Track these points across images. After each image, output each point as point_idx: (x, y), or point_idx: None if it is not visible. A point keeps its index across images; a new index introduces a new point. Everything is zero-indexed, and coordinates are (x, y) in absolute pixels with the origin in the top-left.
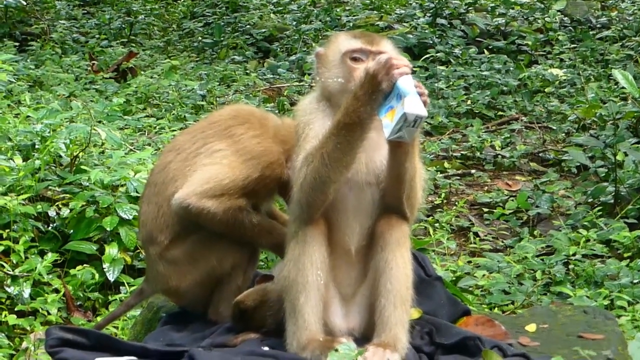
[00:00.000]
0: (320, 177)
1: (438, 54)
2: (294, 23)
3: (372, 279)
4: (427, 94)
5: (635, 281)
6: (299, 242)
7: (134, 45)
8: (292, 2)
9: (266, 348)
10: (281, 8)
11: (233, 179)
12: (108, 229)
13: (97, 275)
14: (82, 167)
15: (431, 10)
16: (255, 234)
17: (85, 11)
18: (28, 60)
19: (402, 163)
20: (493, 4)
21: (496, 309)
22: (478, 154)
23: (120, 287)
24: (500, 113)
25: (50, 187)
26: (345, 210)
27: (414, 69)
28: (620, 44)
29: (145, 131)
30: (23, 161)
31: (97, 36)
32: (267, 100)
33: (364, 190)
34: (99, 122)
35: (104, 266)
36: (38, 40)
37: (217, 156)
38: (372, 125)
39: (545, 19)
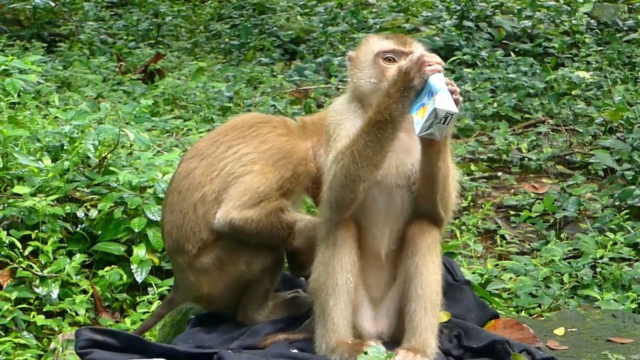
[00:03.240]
0: (350, 175)
1: (464, 57)
2: (321, 25)
3: (402, 283)
4: (459, 91)
5: None
6: (329, 245)
7: (161, 46)
8: (319, 4)
9: (295, 350)
10: (308, 10)
11: (268, 184)
12: (136, 230)
13: (125, 277)
14: (111, 168)
15: (458, 13)
16: (294, 235)
17: (113, 12)
18: (56, 62)
19: (435, 162)
20: (520, 7)
21: (523, 312)
22: (504, 156)
23: (148, 288)
24: (526, 116)
25: (78, 188)
26: (375, 213)
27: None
28: None
29: (172, 133)
30: (52, 162)
31: (124, 37)
32: (294, 102)
33: (394, 193)
34: (127, 123)
35: (131, 267)
36: (66, 41)
37: (246, 161)
38: (403, 124)
39: (572, 21)
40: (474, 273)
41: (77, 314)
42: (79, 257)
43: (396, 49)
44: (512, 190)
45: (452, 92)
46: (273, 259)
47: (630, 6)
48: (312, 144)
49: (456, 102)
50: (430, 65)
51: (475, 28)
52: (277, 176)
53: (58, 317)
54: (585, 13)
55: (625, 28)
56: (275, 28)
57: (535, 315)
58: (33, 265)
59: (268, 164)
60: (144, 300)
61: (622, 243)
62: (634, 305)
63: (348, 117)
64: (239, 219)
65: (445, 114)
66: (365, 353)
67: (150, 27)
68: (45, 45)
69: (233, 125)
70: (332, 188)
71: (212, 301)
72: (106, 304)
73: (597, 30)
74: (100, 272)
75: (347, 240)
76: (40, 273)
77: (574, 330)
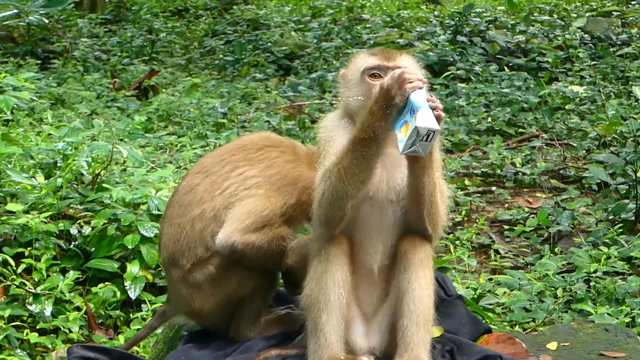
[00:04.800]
0: (338, 193)
1: (458, 72)
2: (315, 41)
3: (394, 298)
4: (441, 108)
5: None
6: (321, 260)
7: (155, 63)
8: (313, 20)
9: None
10: (302, 26)
11: (272, 209)
12: (129, 246)
13: (118, 293)
14: (104, 185)
15: (451, 28)
16: (287, 254)
17: (107, 29)
18: (50, 78)
19: (420, 178)
20: (513, 22)
21: (517, 326)
22: (499, 171)
23: (142, 305)
24: (520, 130)
25: (72, 205)
26: (367, 228)
27: (435, 86)
28: None
29: (166, 149)
30: (45, 179)
31: (118, 54)
32: (288, 118)
33: (385, 208)
34: (121, 140)
35: (125, 284)
36: (60, 58)
37: (251, 184)
38: (389, 140)
39: (566, 36)
40: (467, 287)
41: (70, 331)
42: (72, 274)
43: (381, 65)
44: (506, 205)
45: (433, 109)
46: (266, 277)
47: (623, 20)
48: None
49: (438, 118)
50: (411, 82)
51: (469, 43)
52: (281, 202)
53: (51, 335)
54: (578, 27)
55: (618, 42)
56: (269, 44)
57: (528, 330)
58: (26, 282)
59: (273, 189)
60: (137, 317)
61: (615, 257)
62: (627, 320)
63: (338, 134)
64: (240, 242)
65: (427, 131)
66: None
67: (145, 44)
68: (39, 62)
69: (241, 144)
70: (321, 205)
71: (203, 316)
72: (100, 321)
73: (590, 44)
74: (94, 289)
75: (340, 255)
76: (33, 290)
77: (566, 344)
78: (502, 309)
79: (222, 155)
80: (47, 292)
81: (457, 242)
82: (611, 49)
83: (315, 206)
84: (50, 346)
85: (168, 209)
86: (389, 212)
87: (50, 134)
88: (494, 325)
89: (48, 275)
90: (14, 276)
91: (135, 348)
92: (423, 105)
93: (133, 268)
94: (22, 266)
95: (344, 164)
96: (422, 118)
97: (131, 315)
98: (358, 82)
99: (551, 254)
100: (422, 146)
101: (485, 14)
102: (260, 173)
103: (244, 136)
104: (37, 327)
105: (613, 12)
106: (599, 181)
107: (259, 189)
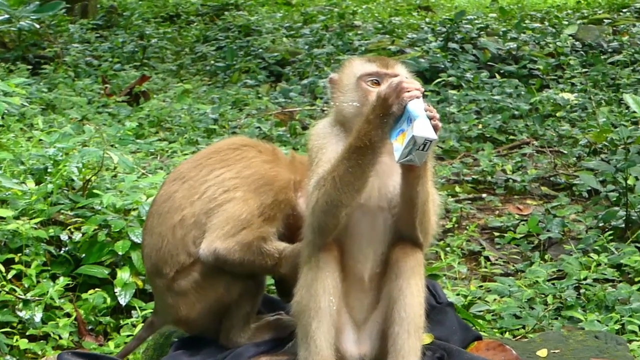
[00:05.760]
0: (332, 201)
1: (450, 78)
2: (306, 47)
3: (385, 306)
4: (438, 117)
5: None
6: (311, 267)
7: (146, 68)
8: (305, 26)
9: None
10: (293, 32)
11: (249, 211)
12: (120, 253)
13: (108, 300)
14: (95, 191)
15: (443, 35)
16: (280, 263)
17: (99, 35)
18: (41, 84)
19: (414, 187)
20: (505, 29)
21: (507, 333)
22: (489, 178)
23: (132, 311)
24: (511, 137)
25: (62, 211)
26: (358, 236)
27: (426, 92)
28: (632, 68)
29: (157, 155)
30: (35, 185)
31: (110, 59)
32: (279, 124)
33: (376, 216)
34: (112, 145)
35: (115, 290)
36: (51, 63)
37: (229, 186)
38: (384, 149)
39: (557, 43)
40: (457, 295)
41: (60, 338)
42: (62, 281)
43: (379, 72)
44: (497, 212)
45: (431, 118)
46: (253, 282)
47: (614, 28)
48: (296, 178)
49: (435, 127)
50: (408, 91)
51: (461, 50)
52: (258, 202)
53: (41, 341)
54: (570, 35)
55: (609, 50)
56: (260, 50)
57: (519, 337)
58: (16, 288)
59: (250, 190)
60: (127, 324)
61: (606, 264)
62: (617, 327)
63: (330, 142)
64: (222, 248)
65: (424, 140)
66: None
67: (136, 49)
68: (30, 67)
69: (217, 148)
70: (314, 213)
71: (191, 324)
72: (90, 327)
73: (581, 52)
74: (84, 295)
75: (330, 263)
76: (23, 296)
77: (556, 351)
78: (493, 316)
79: (198, 160)
80: (37, 298)
81: (448, 249)
82: (602, 57)
83: (309, 214)
84: (40, 352)
85: (148, 219)
86: (380, 220)
87: (41, 140)
88: (484, 332)
89: (38, 282)
90: (4, 282)
91: None
92: (420, 115)
93: (123, 274)
94: (12, 272)
95: (339, 172)
96: (419, 127)
97: (121, 322)
98: (353, 88)
99: (541, 261)
100: (418, 155)
101: (476, 21)
102: (237, 174)
103: (220, 141)
104: (27, 334)
105: (604, 20)
106: (589, 188)
107: (237, 191)
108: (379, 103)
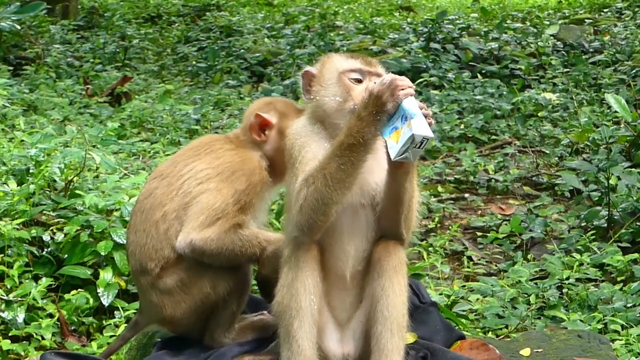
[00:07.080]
0: (323, 198)
1: (431, 78)
2: (288, 47)
3: (368, 305)
4: (431, 115)
5: (628, 305)
6: (291, 267)
7: (128, 69)
8: (286, 27)
9: None
10: (275, 32)
11: (223, 200)
12: (102, 253)
13: (91, 300)
14: (77, 191)
15: (424, 35)
16: (257, 248)
17: (80, 35)
18: (22, 85)
19: (402, 184)
20: (486, 29)
21: (490, 333)
22: (471, 178)
23: (115, 312)
24: (493, 137)
25: (44, 212)
26: (339, 233)
27: None
28: (613, 68)
29: (139, 155)
30: (17, 186)
31: (91, 60)
32: None
33: (357, 213)
34: (94, 146)
35: (98, 291)
36: (32, 64)
37: (202, 177)
38: (376, 146)
39: (538, 43)
40: (441, 294)
41: (43, 338)
42: (45, 281)
43: (362, 69)
44: (479, 212)
45: (425, 116)
46: (239, 280)
47: (595, 28)
48: (261, 150)
49: (429, 125)
50: (403, 89)
51: (442, 50)
52: (232, 190)
53: (24, 342)
54: (551, 35)
55: (591, 50)
56: (242, 50)
57: (502, 336)
58: None
59: (222, 179)
60: (110, 324)
61: (588, 264)
62: (599, 326)
63: (312, 139)
64: (198, 239)
65: (422, 138)
66: None
67: (117, 50)
68: (11, 68)
69: (191, 146)
70: (303, 211)
71: (175, 323)
72: (72, 327)
73: (563, 52)
74: (67, 296)
75: (309, 261)
76: (5, 297)
77: (539, 350)
78: (476, 315)
79: (175, 158)
80: (19, 299)
81: (430, 248)
82: (584, 57)
83: (296, 212)
84: (22, 353)
85: (131, 217)
86: (362, 217)
87: (22, 141)
88: (467, 331)
89: (20, 282)
90: None
91: None
92: (417, 113)
93: (106, 275)
94: None
95: (330, 170)
96: (417, 126)
97: (104, 322)
98: (335, 83)
99: (524, 261)
100: (413, 153)
101: (458, 21)
102: (208, 165)
103: (195, 140)
104: (10, 334)
105: (585, 20)
106: (571, 188)
107: (210, 182)
108: (372, 100)
